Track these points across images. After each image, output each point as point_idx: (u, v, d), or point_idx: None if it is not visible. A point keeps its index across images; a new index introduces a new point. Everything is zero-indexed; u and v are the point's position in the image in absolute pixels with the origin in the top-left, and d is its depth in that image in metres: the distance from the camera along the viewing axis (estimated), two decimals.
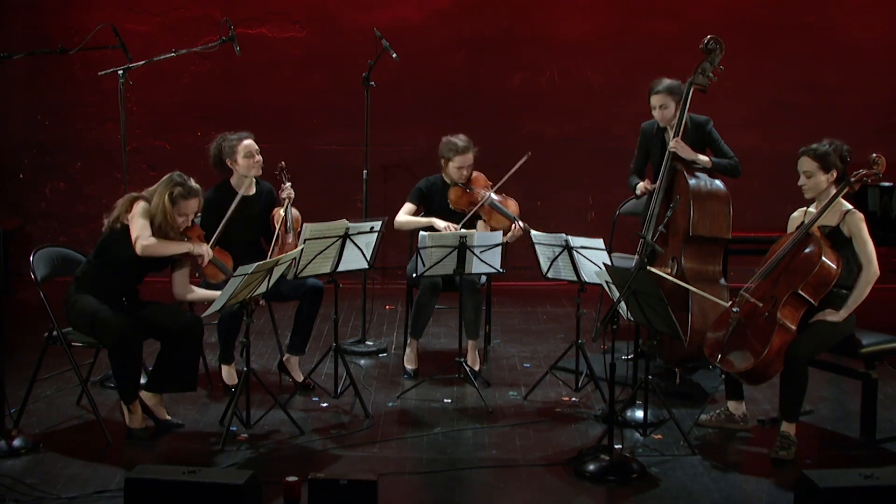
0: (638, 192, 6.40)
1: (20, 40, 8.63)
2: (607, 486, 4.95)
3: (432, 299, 6.45)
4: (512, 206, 6.54)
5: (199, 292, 5.71)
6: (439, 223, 6.49)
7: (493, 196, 6.50)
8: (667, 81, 6.27)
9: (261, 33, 8.98)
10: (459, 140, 6.55)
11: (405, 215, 6.65)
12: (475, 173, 6.63)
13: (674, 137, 6.18)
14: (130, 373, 5.38)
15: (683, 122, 6.18)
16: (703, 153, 6.28)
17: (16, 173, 8.94)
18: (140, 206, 5.47)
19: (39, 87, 8.99)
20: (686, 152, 6.17)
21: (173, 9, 8.94)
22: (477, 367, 6.47)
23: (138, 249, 5.37)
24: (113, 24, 6.48)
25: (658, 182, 6.23)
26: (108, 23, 6.48)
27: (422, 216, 6.68)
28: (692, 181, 6.13)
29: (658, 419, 5.62)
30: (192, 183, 5.53)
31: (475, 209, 6.49)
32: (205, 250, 5.59)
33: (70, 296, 5.48)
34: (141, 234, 5.39)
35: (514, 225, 6.40)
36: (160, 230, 5.47)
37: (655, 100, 6.28)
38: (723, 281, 6.17)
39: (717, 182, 6.21)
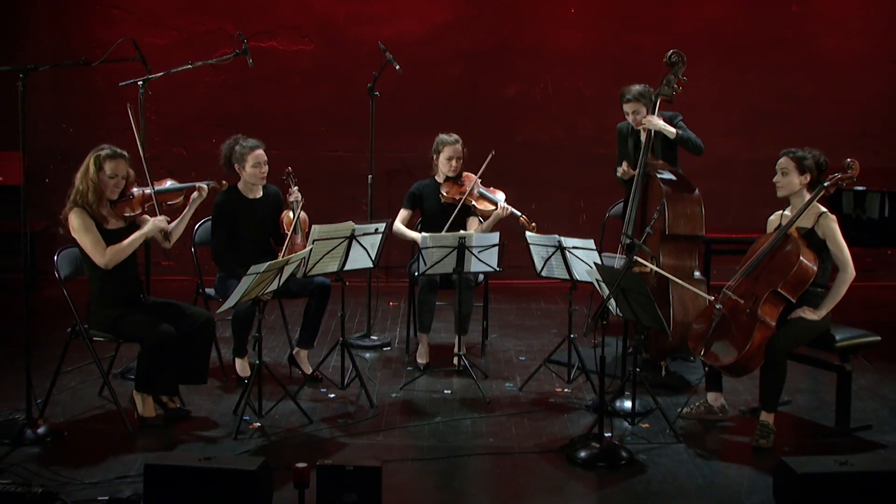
0: (619, 174, 6.37)
1: (46, 53, 8.63)
2: (597, 471, 4.95)
3: (431, 295, 6.43)
4: (499, 193, 6.62)
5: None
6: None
7: (479, 184, 6.58)
8: (635, 88, 6.27)
9: (272, 46, 8.97)
10: (449, 135, 6.63)
11: (400, 224, 6.71)
12: (465, 172, 6.66)
13: (643, 155, 6.18)
14: (158, 371, 5.35)
15: (653, 132, 6.18)
16: (674, 157, 6.33)
17: (42, 178, 8.91)
18: (73, 215, 5.32)
19: (64, 97, 8.97)
20: (655, 124, 6.14)
21: (190, 24, 8.93)
22: (463, 351, 6.44)
23: (102, 266, 5.33)
24: (133, 38, 6.45)
25: (633, 187, 6.24)
26: (129, 37, 6.45)
27: (418, 222, 6.79)
28: (665, 185, 6.13)
29: (645, 409, 5.61)
30: (117, 149, 5.46)
31: (465, 196, 6.51)
32: (159, 223, 5.50)
33: (93, 314, 5.45)
34: (94, 251, 5.31)
35: (499, 206, 6.48)
36: (97, 206, 5.34)
37: (628, 107, 6.31)
38: (697, 274, 6.18)
39: (689, 185, 6.22)
